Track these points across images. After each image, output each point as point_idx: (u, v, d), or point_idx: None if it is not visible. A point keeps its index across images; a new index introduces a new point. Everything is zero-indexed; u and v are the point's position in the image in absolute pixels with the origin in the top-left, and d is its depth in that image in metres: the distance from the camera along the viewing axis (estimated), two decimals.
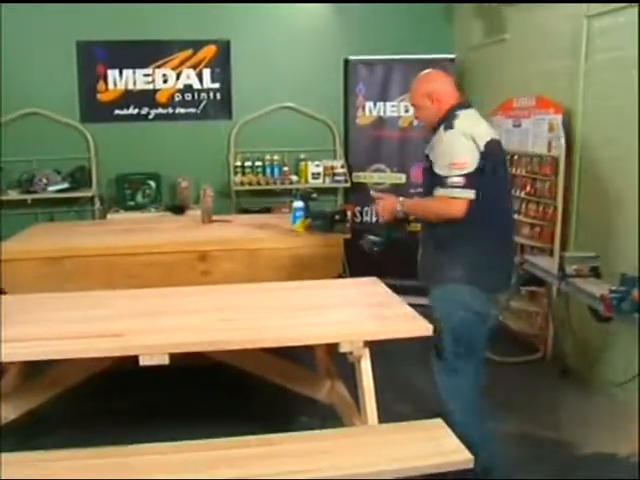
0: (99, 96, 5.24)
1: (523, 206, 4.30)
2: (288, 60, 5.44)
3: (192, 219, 4.43)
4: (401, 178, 5.46)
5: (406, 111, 5.44)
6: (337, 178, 5.36)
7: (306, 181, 5.40)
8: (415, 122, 5.45)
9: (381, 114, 5.49)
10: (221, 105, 5.41)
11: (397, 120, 5.47)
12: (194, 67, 5.32)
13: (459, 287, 2.64)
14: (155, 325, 2.54)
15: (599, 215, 3.77)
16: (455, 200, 2.57)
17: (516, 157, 4.42)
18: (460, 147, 2.60)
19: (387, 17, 5.45)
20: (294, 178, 5.39)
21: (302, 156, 5.50)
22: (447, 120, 2.67)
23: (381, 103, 5.47)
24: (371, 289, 3.06)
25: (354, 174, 5.51)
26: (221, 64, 5.34)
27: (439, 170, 2.61)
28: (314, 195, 4.04)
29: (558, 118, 3.94)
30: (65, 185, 5.04)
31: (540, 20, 4.32)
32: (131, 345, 2.34)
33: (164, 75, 5.29)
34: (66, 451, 2.26)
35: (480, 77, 5.22)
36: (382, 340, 2.48)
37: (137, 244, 3.66)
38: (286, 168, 5.43)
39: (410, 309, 2.73)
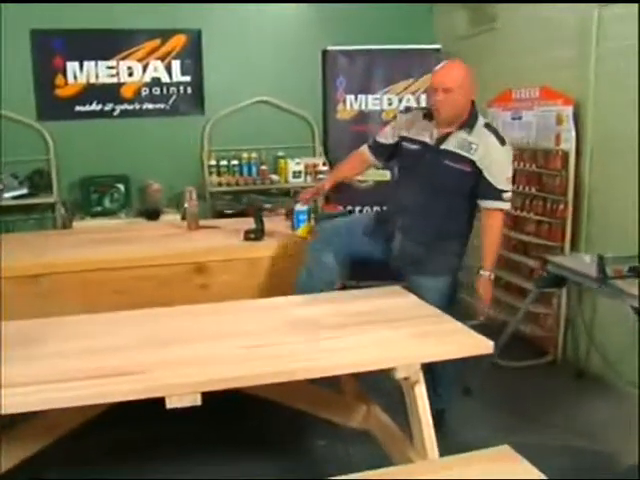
0: (58, 91, 4.75)
1: (527, 202, 4.11)
2: (263, 51, 5.08)
3: (173, 225, 4.03)
4: (385, 175, 5.17)
5: (389, 104, 5.20)
6: (321, 176, 5.02)
7: (286, 180, 5.06)
8: None
9: (362, 108, 5.20)
10: (192, 100, 5.00)
11: (380, 114, 5.20)
12: (162, 59, 4.89)
13: (454, 277, 2.99)
14: (177, 357, 2.17)
15: (611, 211, 3.61)
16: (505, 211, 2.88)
17: (517, 151, 4.22)
18: (511, 164, 2.85)
19: (366, 7, 5.15)
20: (275, 177, 5.04)
21: (280, 153, 5.16)
22: (473, 122, 2.79)
23: (363, 96, 5.19)
24: (400, 300, 2.76)
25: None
26: (191, 55, 4.93)
27: (499, 184, 2.77)
28: None
29: (567, 110, 3.75)
30: (24, 191, 4.54)
31: (536, 8, 4.12)
32: (158, 385, 1.97)
33: (129, 67, 4.84)
34: None
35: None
36: None
37: (123, 256, 3.24)
38: (264, 167, 5.07)
39: (456, 322, 2.48)
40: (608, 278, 2.84)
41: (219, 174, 5.00)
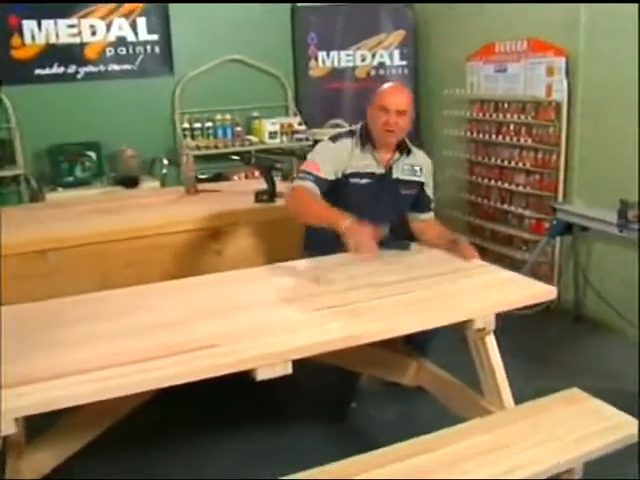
0: (14, 53, 4.36)
1: (516, 154, 4.18)
2: (232, 7, 4.83)
3: (167, 191, 3.86)
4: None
5: (362, 60, 5.13)
6: (298, 136, 4.91)
7: (262, 141, 4.92)
8: (373, 72, 5.17)
9: (336, 65, 5.10)
10: (161, 60, 4.73)
11: (353, 70, 5.13)
12: (126, 16, 4.59)
13: None
14: (247, 326, 2.05)
15: (602, 159, 3.72)
16: None
17: (502, 104, 4.27)
18: None
19: None
20: (253, 139, 4.88)
21: (255, 114, 5.00)
22: (407, 143, 2.77)
23: (335, 53, 5.08)
24: (434, 255, 2.72)
25: (310, 131, 5.09)
26: (158, 12, 4.64)
27: (432, 194, 2.88)
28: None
29: (559, 61, 3.80)
30: None
31: None
32: (247, 357, 1.86)
33: (92, 26, 4.50)
34: None
35: (443, 24, 4.94)
36: None
37: (135, 226, 3.07)
38: (239, 128, 4.91)
39: (508, 271, 2.52)
40: (630, 222, 2.93)
41: (193, 137, 4.80)
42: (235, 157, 3.55)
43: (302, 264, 2.69)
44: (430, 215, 2.92)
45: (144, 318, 2.16)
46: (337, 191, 2.65)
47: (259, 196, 3.31)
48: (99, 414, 2.27)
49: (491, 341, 2.26)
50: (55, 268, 2.91)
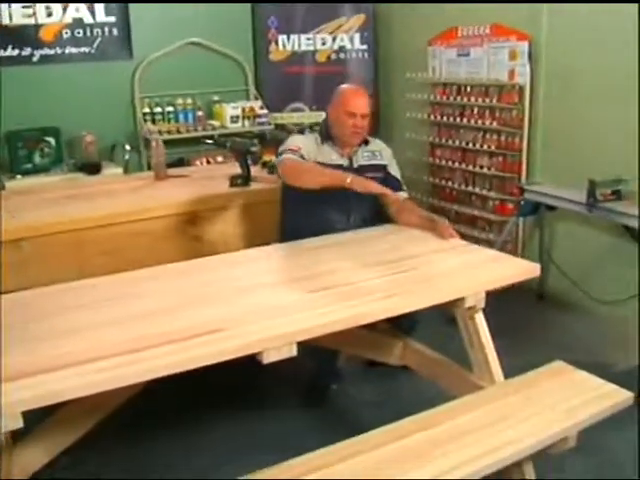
0: None
1: (479, 136, 4.27)
2: None
3: (133, 178, 3.78)
4: (321, 117, 5.14)
5: (323, 44, 5.13)
6: (261, 120, 4.89)
7: (224, 126, 4.86)
8: (333, 56, 5.18)
9: (296, 48, 5.08)
10: (119, 42, 4.61)
11: (314, 54, 5.12)
12: None
13: None
14: (249, 309, 2.05)
15: (564, 142, 3.85)
16: None
17: (464, 87, 4.35)
18: None
19: None
20: (215, 123, 4.83)
21: (216, 98, 4.94)
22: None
23: (295, 36, 5.06)
24: (421, 237, 2.76)
25: (271, 115, 5.07)
26: None
27: (399, 176, 3.01)
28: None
29: (522, 45, 3.90)
30: None
31: None
32: (254, 340, 1.86)
33: (47, 7, 4.34)
34: None
35: (404, 8, 4.96)
36: None
37: (109, 213, 3.01)
38: (201, 112, 4.84)
39: (490, 250, 2.60)
40: (598, 201, 3.05)
41: (154, 122, 4.71)
42: (209, 141, 3.51)
43: (288, 246, 2.71)
44: (404, 194, 2.99)
45: (137, 306, 2.13)
46: None
47: (234, 180, 3.30)
48: (92, 406, 2.23)
49: (480, 318, 2.33)
50: (30, 257, 2.84)
